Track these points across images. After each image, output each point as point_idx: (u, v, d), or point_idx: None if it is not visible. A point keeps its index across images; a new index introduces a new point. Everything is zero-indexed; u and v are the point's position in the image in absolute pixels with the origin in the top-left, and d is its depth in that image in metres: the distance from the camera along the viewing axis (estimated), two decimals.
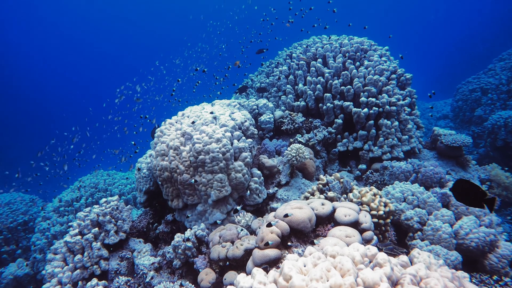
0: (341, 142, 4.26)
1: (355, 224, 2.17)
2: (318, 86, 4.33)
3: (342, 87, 4.31)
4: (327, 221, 2.25)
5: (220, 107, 3.57)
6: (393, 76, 4.52)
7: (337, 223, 2.19)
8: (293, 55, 4.96)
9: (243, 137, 3.17)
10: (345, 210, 2.23)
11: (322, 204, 2.29)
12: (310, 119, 4.40)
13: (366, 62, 4.50)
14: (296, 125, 4.11)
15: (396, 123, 4.22)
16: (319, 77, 4.38)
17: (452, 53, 23.65)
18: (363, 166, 4.15)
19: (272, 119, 4.05)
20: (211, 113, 3.21)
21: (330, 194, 2.85)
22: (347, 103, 4.19)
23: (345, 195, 2.95)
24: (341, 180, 3.12)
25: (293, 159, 3.34)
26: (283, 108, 4.60)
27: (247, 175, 3.07)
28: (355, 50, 4.64)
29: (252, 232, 2.73)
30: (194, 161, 2.96)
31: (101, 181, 6.25)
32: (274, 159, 3.48)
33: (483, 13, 26.80)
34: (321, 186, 3.05)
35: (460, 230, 2.75)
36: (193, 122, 3.16)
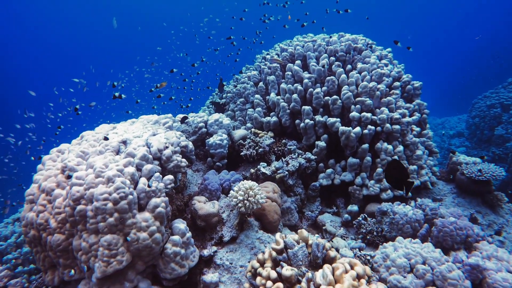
0: (324, 173, 3.11)
1: None
2: (294, 96, 3.21)
3: (326, 98, 3.19)
4: None
5: (141, 126, 2.48)
6: (396, 84, 3.38)
7: None
8: (267, 56, 3.87)
9: (158, 174, 2.04)
10: None
11: None
12: (283, 141, 3.27)
13: (359, 65, 3.38)
14: (261, 149, 2.97)
15: (401, 147, 3.05)
16: (296, 84, 3.27)
17: (465, 64, 22.17)
18: (354, 208, 2.97)
19: (226, 142, 2.92)
20: (105, 138, 2.11)
21: (287, 271, 1.70)
22: (332, 120, 3.05)
23: (311, 273, 1.79)
24: (310, 242, 1.97)
25: (240, 204, 2.20)
26: (249, 125, 3.48)
27: (158, 234, 1.93)
28: (346, 50, 3.53)
29: None
30: (70, 214, 1.85)
31: None
32: (215, 202, 2.34)
33: (497, 24, 25.51)
34: (274, 254, 1.90)
35: None
36: (83, 152, 2.06)
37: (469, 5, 29.60)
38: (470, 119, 9.64)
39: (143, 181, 1.98)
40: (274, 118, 3.31)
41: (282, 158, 3.00)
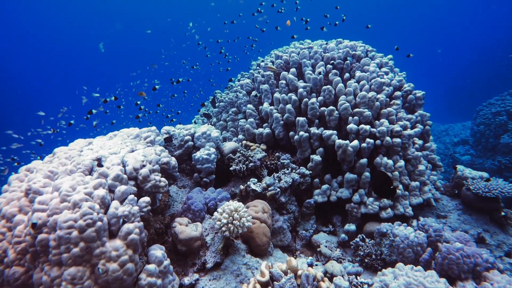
0: (319, 189, 2.91)
1: None
2: (288, 106, 3.03)
3: (322, 109, 3.00)
4: None
5: (119, 141, 2.30)
6: (397, 93, 3.18)
7: None
8: (262, 63, 3.69)
9: (132, 196, 1.86)
10: None
11: None
12: (277, 154, 3.07)
13: (358, 74, 3.19)
14: (251, 164, 2.78)
15: (402, 162, 2.85)
16: (290, 94, 3.08)
17: (469, 69, 21.80)
18: (352, 227, 2.76)
19: (214, 156, 2.74)
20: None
21: None
22: (328, 132, 2.86)
23: None
24: (299, 273, 1.78)
25: (224, 228, 2.00)
26: (241, 136, 3.29)
27: (130, 264, 1.74)
28: (344, 57, 3.34)
29: None
30: (31, 243, 1.66)
31: None
32: (198, 225, 2.15)
33: (502, 29, 25.19)
34: (259, 287, 1.71)
35: None
36: (52, 172, 1.89)
37: (475, 8, 29.36)
38: (475, 126, 9.39)
39: (115, 204, 1.79)
40: (267, 130, 3.12)
41: (274, 173, 2.81)
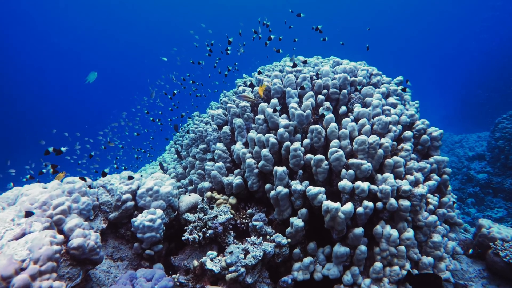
0: (300, 263, 2.23)
1: None
2: (265, 151, 2.34)
3: (308, 156, 2.31)
4: None
5: (12, 214, 1.65)
6: (408, 134, 2.47)
7: None
8: (240, 88, 2.99)
9: None
10: None
11: None
12: (249, 210, 2.41)
13: (357, 108, 2.48)
14: (210, 231, 2.11)
15: (410, 233, 2.15)
16: (267, 135, 2.39)
17: (487, 74, 20.25)
18: None
19: (160, 222, 2.07)
20: None
21: None
22: (314, 190, 2.16)
23: None
24: None
25: None
26: (206, 184, 2.62)
27: None
28: (341, 84, 2.63)
29: None
30: None
31: None
32: None
33: None
34: None
35: None
36: None
37: (493, 10, 27.70)
38: (492, 140, 8.54)
39: None
40: (238, 180, 2.44)
41: (240, 244, 2.14)
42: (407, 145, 2.43)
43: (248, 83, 3.07)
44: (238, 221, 2.39)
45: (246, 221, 2.39)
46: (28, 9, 28.18)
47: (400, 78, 3.17)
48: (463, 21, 30.38)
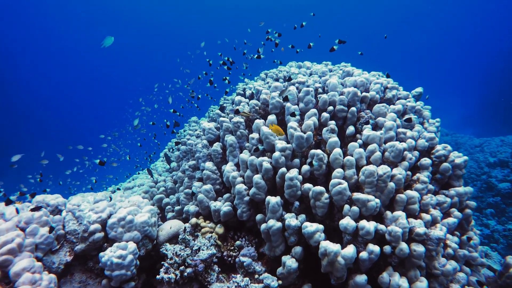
0: None
1: None
2: (257, 178, 2.04)
3: (306, 186, 2.00)
4: None
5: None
6: (426, 162, 2.12)
7: None
8: (236, 98, 2.67)
9: None
10: None
11: None
12: (238, 242, 2.13)
13: (367, 131, 2.13)
14: (189, 270, 1.85)
15: (424, 283, 1.82)
16: (261, 158, 2.08)
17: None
18: None
19: (132, 258, 1.82)
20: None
21: None
22: (311, 229, 1.86)
23: None
24: None
25: None
26: (192, 208, 2.34)
27: None
28: (349, 101, 2.27)
29: None
30: None
31: None
32: None
33: None
34: None
35: None
36: None
37: None
38: None
39: None
40: (226, 208, 2.15)
41: (225, 282, 1.87)
42: (424, 176, 2.08)
43: (248, 91, 2.75)
44: (225, 253, 2.12)
45: (234, 254, 2.11)
46: (28, 9, 27.90)
47: (419, 90, 2.78)
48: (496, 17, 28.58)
